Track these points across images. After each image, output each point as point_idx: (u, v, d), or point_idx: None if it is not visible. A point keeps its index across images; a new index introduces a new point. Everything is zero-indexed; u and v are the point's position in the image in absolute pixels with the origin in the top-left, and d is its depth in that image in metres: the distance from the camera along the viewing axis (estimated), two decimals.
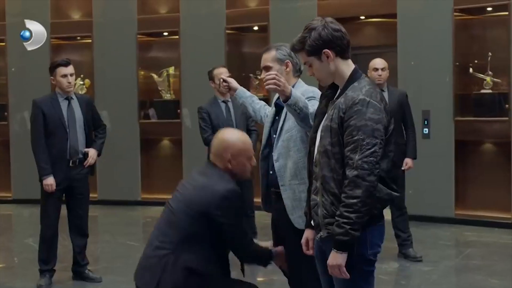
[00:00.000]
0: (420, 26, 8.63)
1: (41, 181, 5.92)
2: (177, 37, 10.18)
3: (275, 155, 3.95)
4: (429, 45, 8.58)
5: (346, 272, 3.10)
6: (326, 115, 3.24)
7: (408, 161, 6.73)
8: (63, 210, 6.16)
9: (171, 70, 10.30)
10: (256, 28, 10.11)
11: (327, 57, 3.20)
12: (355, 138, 3.04)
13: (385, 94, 6.74)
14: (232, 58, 9.68)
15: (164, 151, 10.78)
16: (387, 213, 6.80)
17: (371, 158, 3.03)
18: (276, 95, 4.09)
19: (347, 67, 3.24)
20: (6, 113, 10.71)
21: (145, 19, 10.38)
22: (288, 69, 4.06)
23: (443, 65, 8.47)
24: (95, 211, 9.86)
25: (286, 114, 3.95)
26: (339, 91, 3.27)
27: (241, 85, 4.43)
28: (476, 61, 8.57)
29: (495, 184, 8.39)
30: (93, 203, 9.86)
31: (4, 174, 10.71)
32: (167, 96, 10.40)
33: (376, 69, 6.74)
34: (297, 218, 3.85)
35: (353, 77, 3.21)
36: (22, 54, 9.99)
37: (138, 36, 10.37)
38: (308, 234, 3.46)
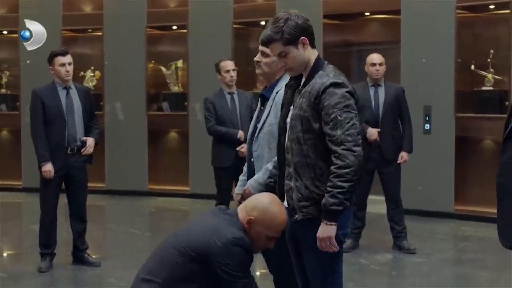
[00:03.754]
0: (423, 23, 8.71)
1: (40, 168, 6.09)
2: (185, 31, 10.33)
3: (255, 145, 4.08)
4: (432, 42, 8.66)
5: (336, 245, 3.23)
6: (293, 104, 3.38)
7: (403, 155, 6.82)
8: (64, 197, 6.37)
9: (179, 63, 10.45)
10: (263, 23, 10.19)
11: (303, 45, 3.34)
12: (332, 116, 3.18)
13: (382, 89, 6.88)
14: (239, 53, 9.80)
15: (171, 143, 10.95)
16: (382, 207, 6.99)
17: (352, 131, 3.18)
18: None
19: (314, 55, 3.40)
20: (18, 103, 10.96)
21: (154, 12, 10.56)
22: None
23: (445, 62, 8.55)
24: (103, 200, 10.11)
25: (270, 108, 4.08)
26: (303, 79, 3.41)
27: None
28: (478, 58, 8.62)
29: (495, 180, 8.42)
30: (101, 193, 10.21)
31: (15, 163, 10.91)
32: (175, 88, 10.57)
33: (373, 64, 6.85)
34: None
35: (318, 65, 3.37)
36: None
37: (148, 29, 10.53)
38: None
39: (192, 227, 3.44)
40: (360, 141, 3.21)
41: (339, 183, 3.14)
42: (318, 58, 3.40)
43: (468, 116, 8.59)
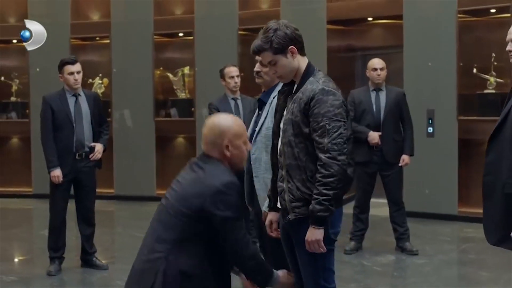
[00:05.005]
0: (425, 28, 8.83)
1: (49, 173, 6.24)
2: (191, 37, 10.48)
3: (253, 148, 4.22)
4: (434, 46, 8.77)
5: (324, 247, 3.40)
6: (286, 109, 3.53)
7: (405, 158, 6.92)
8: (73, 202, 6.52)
9: (186, 69, 10.60)
10: None
11: (292, 53, 3.49)
12: (321, 124, 3.34)
13: (383, 93, 6.99)
14: (244, 58, 9.92)
15: (179, 148, 11.08)
16: (385, 210, 7.10)
17: (339, 140, 3.33)
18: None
19: (304, 63, 3.55)
20: (27, 111, 11.14)
21: (161, 20, 10.70)
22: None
23: (448, 66, 8.65)
24: (111, 205, 10.25)
25: (268, 112, 4.22)
26: (296, 86, 3.55)
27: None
28: (480, 62, 8.71)
29: None
30: (110, 198, 10.34)
31: (25, 170, 11.07)
32: (182, 95, 10.72)
33: (375, 69, 6.97)
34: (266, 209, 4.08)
35: (308, 72, 3.52)
36: (43, 53, 10.37)
37: (155, 36, 10.68)
38: (271, 216, 3.74)
39: (181, 185, 3.47)
40: (346, 150, 3.35)
41: (324, 191, 3.32)
42: (308, 65, 3.55)
43: (470, 119, 8.68)
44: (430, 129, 8.76)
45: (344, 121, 3.37)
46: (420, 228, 8.06)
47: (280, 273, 3.49)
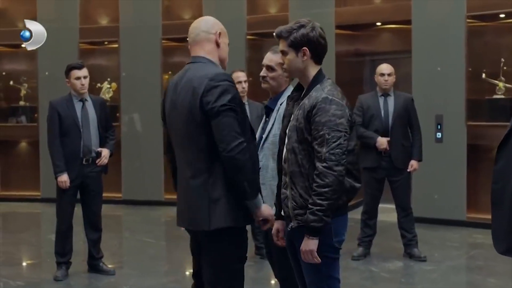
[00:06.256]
0: (434, 33, 8.80)
1: (56, 178, 6.25)
2: None
3: (260, 155, 4.19)
4: (443, 51, 8.74)
5: (318, 257, 3.36)
6: (292, 115, 3.51)
7: (413, 163, 6.90)
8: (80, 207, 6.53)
9: None
10: None
11: (304, 54, 3.47)
12: (321, 133, 3.31)
13: (391, 98, 6.96)
14: (252, 63, 9.91)
15: None
16: (394, 215, 7.07)
17: (337, 150, 3.29)
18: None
19: (314, 70, 3.52)
20: (36, 115, 11.17)
21: (169, 24, 10.72)
22: (288, 75, 4.31)
23: (456, 71, 8.62)
24: (119, 210, 10.25)
25: (275, 119, 4.20)
26: (303, 92, 3.53)
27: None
28: (488, 67, 8.70)
29: None
30: (118, 203, 10.35)
31: (34, 174, 11.11)
32: None
33: (382, 74, 6.95)
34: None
35: (316, 79, 3.48)
36: (52, 58, 10.48)
37: (163, 41, 10.71)
38: (278, 225, 3.72)
39: (178, 93, 3.53)
40: (344, 160, 3.31)
41: (319, 201, 3.28)
42: (318, 72, 3.51)
43: (479, 125, 8.65)
44: (439, 135, 8.74)
45: (346, 132, 3.33)
46: (428, 234, 8.04)
47: (264, 205, 3.52)
